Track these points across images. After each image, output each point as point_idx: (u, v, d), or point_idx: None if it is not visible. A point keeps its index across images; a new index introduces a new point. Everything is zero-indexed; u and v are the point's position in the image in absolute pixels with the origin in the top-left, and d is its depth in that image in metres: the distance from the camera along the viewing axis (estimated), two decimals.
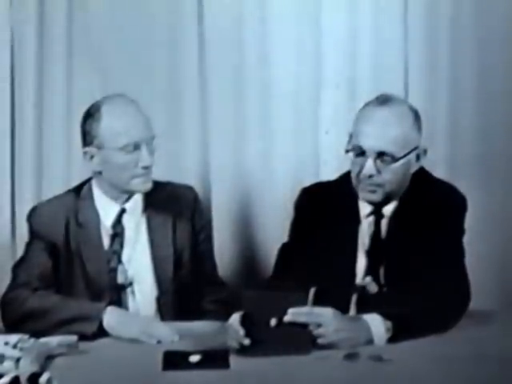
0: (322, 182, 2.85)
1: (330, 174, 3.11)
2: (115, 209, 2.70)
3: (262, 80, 3.42)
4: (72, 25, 3.36)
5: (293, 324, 2.23)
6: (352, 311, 2.57)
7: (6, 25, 3.33)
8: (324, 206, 2.68)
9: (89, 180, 2.74)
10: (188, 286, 2.74)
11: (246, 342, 2.22)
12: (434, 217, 2.54)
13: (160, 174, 2.73)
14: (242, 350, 2.22)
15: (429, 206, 2.56)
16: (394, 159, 2.51)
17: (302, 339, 2.24)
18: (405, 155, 2.52)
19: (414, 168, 2.59)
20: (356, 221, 2.64)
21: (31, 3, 3.34)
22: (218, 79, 3.41)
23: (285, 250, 2.76)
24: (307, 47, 3.41)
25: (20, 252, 2.81)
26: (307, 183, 2.88)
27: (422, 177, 2.64)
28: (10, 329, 2.52)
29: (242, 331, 2.23)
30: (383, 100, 2.56)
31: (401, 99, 2.70)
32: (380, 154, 2.51)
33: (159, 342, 2.39)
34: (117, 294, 2.68)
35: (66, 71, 3.38)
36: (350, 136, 2.59)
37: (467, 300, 2.49)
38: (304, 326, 2.24)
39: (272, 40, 3.41)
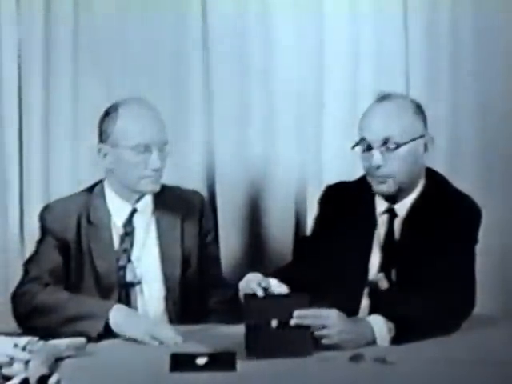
0: (345, 181, 2.88)
1: (332, 175, 3.20)
2: (127, 209, 2.74)
3: (265, 81, 3.45)
4: (78, 30, 3.38)
5: (294, 326, 2.25)
6: (363, 305, 2.62)
7: (13, 31, 3.35)
8: (345, 203, 2.73)
9: (101, 180, 2.79)
10: (195, 286, 2.78)
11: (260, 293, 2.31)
12: (448, 224, 2.56)
13: (165, 175, 2.75)
14: (245, 352, 2.24)
15: (444, 213, 2.58)
16: (399, 145, 2.55)
17: (303, 341, 2.25)
18: (409, 141, 2.56)
19: (423, 159, 2.63)
20: (373, 218, 2.68)
21: (38, 9, 3.35)
22: (222, 82, 3.43)
23: (305, 242, 2.86)
24: (310, 50, 3.44)
25: (28, 252, 2.85)
26: (311, 185, 2.98)
27: (438, 183, 2.68)
28: (20, 323, 2.58)
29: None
30: (383, 96, 2.65)
31: (400, 94, 2.79)
32: (384, 142, 2.56)
33: (161, 343, 2.40)
34: (125, 292, 2.72)
35: (72, 76, 3.40)
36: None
37: (471, 308, 2.51)
38: (306, 327, 2.26)
39: (275, 43, 3.44)
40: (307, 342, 2.26)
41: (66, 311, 2.52)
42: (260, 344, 2.24)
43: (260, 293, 2.34)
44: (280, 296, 2.37)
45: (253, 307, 2.28)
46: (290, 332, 2.24)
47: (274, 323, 2.25)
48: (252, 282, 2.37)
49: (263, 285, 2.37)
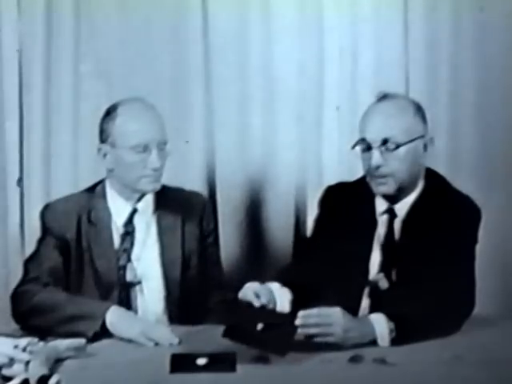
0: (345, 181, 2.89)
1: (332, 175, 3.22)
2: (127, 208, 2.75)
3: (265, 81, 3.45)
4: (79, 30, 3.39)
5: (279, 329, 2.24)
6: (363, 305, 2.63)
7: (14, 32, 3.37)
8: (345, 204, 2.74)
9: (103, 180, 2.80)
10: (195, 287, 2.78)
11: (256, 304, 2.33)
12: (448, 224, 2.56)
13: (165, 175, 2.76)
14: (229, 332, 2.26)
15: (444, 213, 2.58)
16: (399, 145, 2.56)
17: (281, 342, 2.23)
18: (409, 141, 2.57)
19: (423, 158, 2.64)
20: (373, 218, 2.69)
21: (38, 9, 3.36)
22: (222, 82, 3.44)
23: (306, 243, 2.86)
24: (310, 50, 3.45)
25: (28, 251, 2.86)
26: (311, 185, 3.07)
27: (438, 183, 2.68)
28: (19, 321, 2.59)
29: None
30: (383, 96, 2.65)
31: (400, 94, 2.83)
32: (384, 142, 2.56)
33: (157, 344, 2.40)
34: (125, 292, 2.73)
35: (72, 76, 3.41)
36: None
37: (471, 308, 2.51)
38: (289, 332, 2.25)
39: (275, 43, 3.44)
40: (286, 344, 2.23)
41: (64, 311, 2.53)
42: (239, 329, 2.25)
43: (257, 304, 2.35)
44: (269, 310, 2.39)
45: (242, 313, 2.31)
46: (273, 332, 2.23)
47: (260, 326, 2.24)
48: (249, 292, 2.38)
49: (263, 301, 2.37)
